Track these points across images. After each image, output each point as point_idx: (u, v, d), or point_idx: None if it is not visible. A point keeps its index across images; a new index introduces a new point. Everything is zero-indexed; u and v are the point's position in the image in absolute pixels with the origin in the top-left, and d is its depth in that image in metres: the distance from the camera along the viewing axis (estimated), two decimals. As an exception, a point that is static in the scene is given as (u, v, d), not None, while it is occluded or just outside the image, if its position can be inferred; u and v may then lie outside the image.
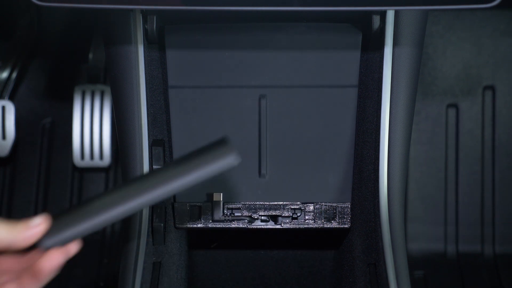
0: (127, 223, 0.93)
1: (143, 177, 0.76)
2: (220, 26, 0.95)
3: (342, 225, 1.00)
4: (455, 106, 1.55)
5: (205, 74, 0.96)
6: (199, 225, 0.99)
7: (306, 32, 0.95)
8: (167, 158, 0.98)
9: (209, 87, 0.96)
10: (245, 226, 0.99)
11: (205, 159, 0.72)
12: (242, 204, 0.98)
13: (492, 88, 1.55)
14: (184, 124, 0.96)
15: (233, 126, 0.97)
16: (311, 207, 0.98)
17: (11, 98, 1.59)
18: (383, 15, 0.92)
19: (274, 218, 0.99)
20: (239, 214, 0.98)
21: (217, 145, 0.73)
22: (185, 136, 0.96)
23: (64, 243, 0.72)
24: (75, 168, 1.53)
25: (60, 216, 0.72)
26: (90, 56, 1.61)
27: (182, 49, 0.95)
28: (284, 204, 0.98)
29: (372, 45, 0.95)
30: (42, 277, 0.72)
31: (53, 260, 0.72)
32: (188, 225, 0.99)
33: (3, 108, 1.53)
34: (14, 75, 1.60)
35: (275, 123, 0.97)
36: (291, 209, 0.99)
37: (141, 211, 0.92)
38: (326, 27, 0.95)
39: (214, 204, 0.98)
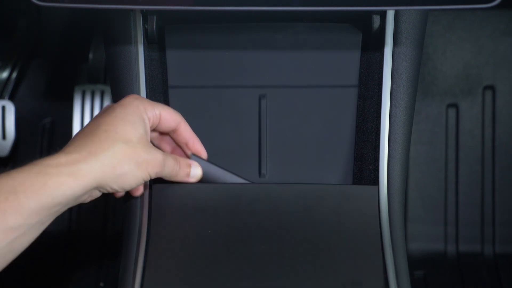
0: (127, 223, 0.93)
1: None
2: (220, 26, 0.95)
3: None
4: (455, 106, 1.55)
5: (205, 74, 0.96)
6: None
7: (306, 32, 0.95)
8: None
9: (209, 87, 0.96)
10: None
11: None
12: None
13: (492, 88, 1.55)
14: None
15: (233, 126, 0.97)
16: None
17: (11, 98, 1.59)
18: (383, 15, 0.92)
19: None
20: None
21: None
22: None
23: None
24: (75, 168, 1.53)
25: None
26: (90, 56, 1.61)
27: (182, 49, 0.95)
28: None
29: (372, 45, 0.95)
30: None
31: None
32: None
33: (3, 108, 1.54)
34: (14, 75, 1.60)
35: (275, 123, 0.97)
36: None
37: (141, 213, 0.92)
38: (326, 27, 0.95)
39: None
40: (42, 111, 1.61)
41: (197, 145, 0.90)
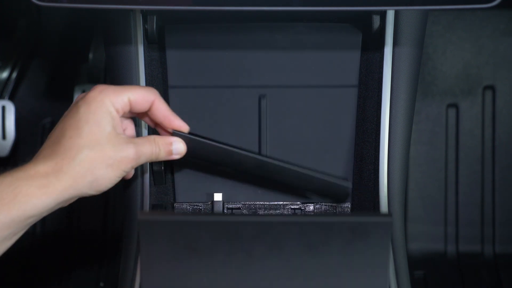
0: (127, 222, 0.93)
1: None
2: (220, 26, 0.95)
3: None
4: (455, 106, 1.55)
5: (205, 74, 0.96)
6: None
7: (306, 32, 0.95)
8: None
9: (209, 87, 0.96)
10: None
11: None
12: (242, 204, 0.98)
13: (492, 88, 1.55)
14: None
15: (233, 126, 0.97)
16: (311, 207, 0.99)
17: (11, 98, 1.59)
18: (383, 15, 0.92)
19: None
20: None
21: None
22: None
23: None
24: (75, 168, 1.53)
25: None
26: (90, 56, 1.61)
27: (182, 49, 0.95)
28: (284, 204, 0.98)
29: (372, 45, 0.95)
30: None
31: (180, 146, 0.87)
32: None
33: (3, 108, 1.53)
34: (14, 75, 1.60)
35: (275, 123, 0.97)
36: (291, 209, 0.99)
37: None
38: (326, 27, 0.95)
39: (214, 204, 0.98)
40: (42, 111, 1.60)
41: (175, 122, 0.87)
